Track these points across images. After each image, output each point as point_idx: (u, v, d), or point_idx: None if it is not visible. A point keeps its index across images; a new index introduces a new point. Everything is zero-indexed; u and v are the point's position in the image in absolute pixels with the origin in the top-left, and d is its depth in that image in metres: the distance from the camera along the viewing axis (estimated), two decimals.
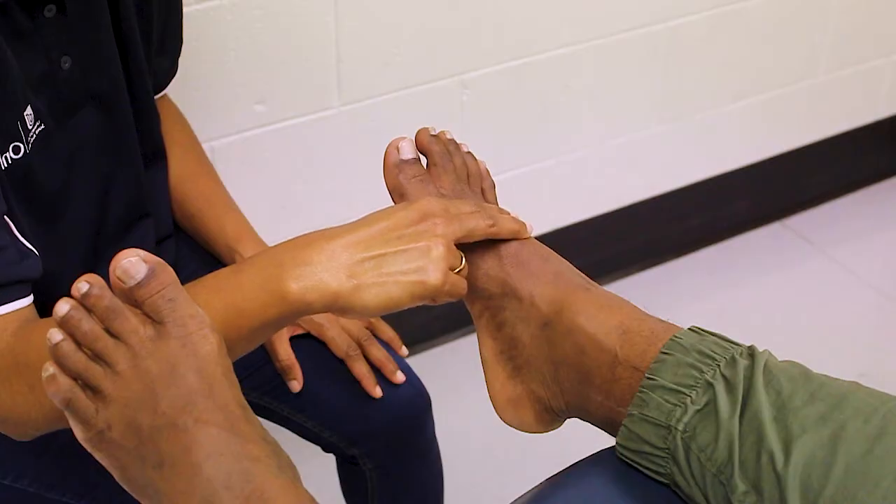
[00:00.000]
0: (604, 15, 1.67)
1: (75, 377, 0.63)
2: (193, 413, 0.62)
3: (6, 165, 0.84)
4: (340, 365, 1.10)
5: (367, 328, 1.12)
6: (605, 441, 0.77)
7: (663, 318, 0.76)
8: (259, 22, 1.38)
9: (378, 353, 1.10)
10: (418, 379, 1.15)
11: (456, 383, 1.59)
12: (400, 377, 1.11)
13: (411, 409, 1.13)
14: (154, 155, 1.05)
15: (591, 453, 0.77)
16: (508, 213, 0.82)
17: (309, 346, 1.10)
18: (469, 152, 0.88)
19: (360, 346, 1.10)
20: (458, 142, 0.87)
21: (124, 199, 1.00)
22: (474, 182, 0.86)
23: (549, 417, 0.81)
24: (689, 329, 0.73)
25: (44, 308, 0.82)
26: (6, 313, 0.79)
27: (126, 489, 0.65)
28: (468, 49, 1.57)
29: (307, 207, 1.57)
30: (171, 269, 0.65)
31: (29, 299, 0.82)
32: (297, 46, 1.42)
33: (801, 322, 1.94)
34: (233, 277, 0.75)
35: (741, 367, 0.69)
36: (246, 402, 0.66)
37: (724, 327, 0.76)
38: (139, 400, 0.62)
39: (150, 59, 1.01)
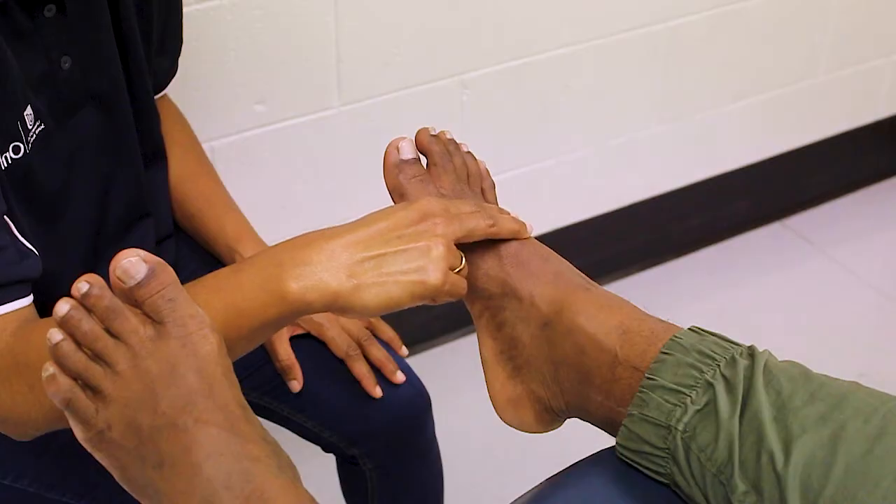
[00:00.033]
0: (604, 15, 1.67)
1: (75, 377, 0.63)
2: (193, 413, 0.62)
3: (6, 165, 0.84)
4: (340, 365, 1.10)
5: (367, 328, 1.12)
6: (605, 441, 0.77)
7: (663, 318, 0.76)
8: (259, 22, 1.38)
9: (378, 353, 1.10)
10: (418, 379, 1.15)
11: (456, 383, 1.59)
12: (400, 377, 1.11)
13: (411, 409, 1.13)
14: (154, 155, 1.05)
15: (591, 453, 0.77)
16: (508, 213, 0.82)
17: (309, 346, 1.10)
18: (469, 152, 0.88)
19: (360, 346, 1.10)
20: (458, 142, 0.87)
21: (124, 199, 1.00)
22: (474, 182, 0.86)
23: (549, 417, 0.81)
24: (689, 329, 0.73)
25: (44, 308, 0.82)
26: (6, 313, 0.79)
27: (126, 489, 0.65)
28: (468, 49, 1.57)
29: (307, 207, 1.57)
30: (171, 269, 0.65)
31: (29, 299, 0.82)
32: (297, 46, 1.42)
33: (801, 322, 1.94)
34: (232, 277, 0.75)
35: (741, 367, 0.69)
36: (246, 402, 0.66)
37: (724, 327, 0.76)
38: (139, 400, 0.62)
39: (150, 59, 1.01)
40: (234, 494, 0.61)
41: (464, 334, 1.86)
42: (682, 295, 1.99)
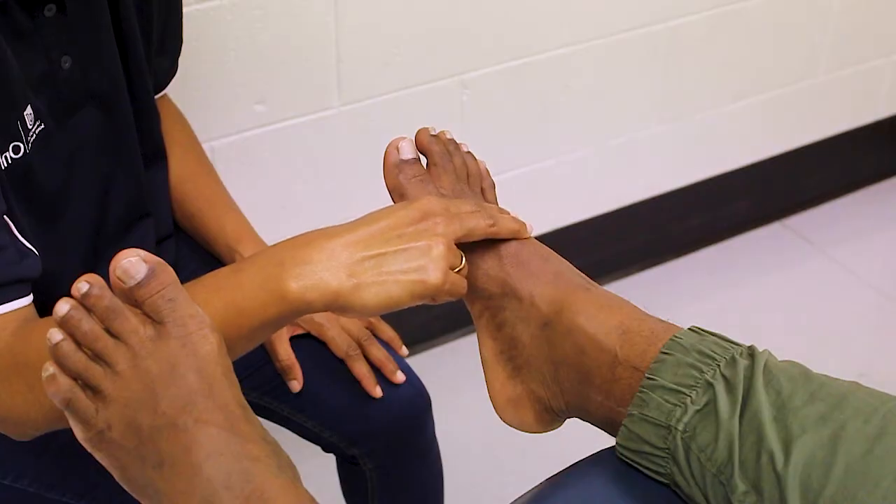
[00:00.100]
0: (604, 15, 1.67)
1: (75, 377, 0.63)
2: (193, 413, 0.62)
3: (6, 165, 0.84)
4: (340, 365, 1.10)
5: (367, 328, 1.12)
6: (605, 441, 0.77)
7: (663, 318, 0.76)
8: (259, 22, 1.38)
9: (378, 352, 1.10)
10: (418, 379, 1.15)
11: (456, 383, 1.59)
12: (400, 377, 1.11)
13: (411, 409, 1.13)
14: (154, 155, 1.05)
15: (591, 453, 0.77)
16: (508, 213, 0.82)
17: (309, 346, 1.10)
18: (469, 152, 0.88)
19: (360, 345, 1.10)
20: (458, 142, 0.87)
21: (124, 199, 1.00)
22: (474, 182, 0.86)
23: (549, 417, 0.81)
24: (689, 329, 0.73)
25: (44, 308, 0.82)
26: (5, 313, 0.79)
27: (126, 489, 0.65)
28: (468, 49, 1.57)
29: (307, 207, 1.57)
30: (171, 269, 0.65)
31: (28, 299, 0.82)
32: (297, 46, 1.42)
33: (801, 322, 1.94)
34: (232, 276, 0.75)
35: (741, 367, 0.69)
36: (246, 402, 0.66)
37: (724, 327, 0.76)
38: (139, 400, 0.62)
39: (150, 59, 1.01)
40: (234, 494, 0.61)
41: (464, 334, 1.86)
42: (682, 295, 1.99)
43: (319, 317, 1.09)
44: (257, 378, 1.10)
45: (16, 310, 0.80)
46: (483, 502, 1.54)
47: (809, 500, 0.63)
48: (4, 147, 0.83)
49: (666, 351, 0.71)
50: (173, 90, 1.13)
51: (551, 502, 0.73)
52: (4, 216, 0.81)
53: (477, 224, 0.78)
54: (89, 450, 0.64)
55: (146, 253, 0.64)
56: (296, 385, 1.09)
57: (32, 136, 0.86)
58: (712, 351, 0.71)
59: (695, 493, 0.69)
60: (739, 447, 0.66)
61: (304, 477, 0.66)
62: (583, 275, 0.82)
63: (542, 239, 0.84)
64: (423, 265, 0.74)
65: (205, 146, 1.25)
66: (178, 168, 1.10)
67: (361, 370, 1.09)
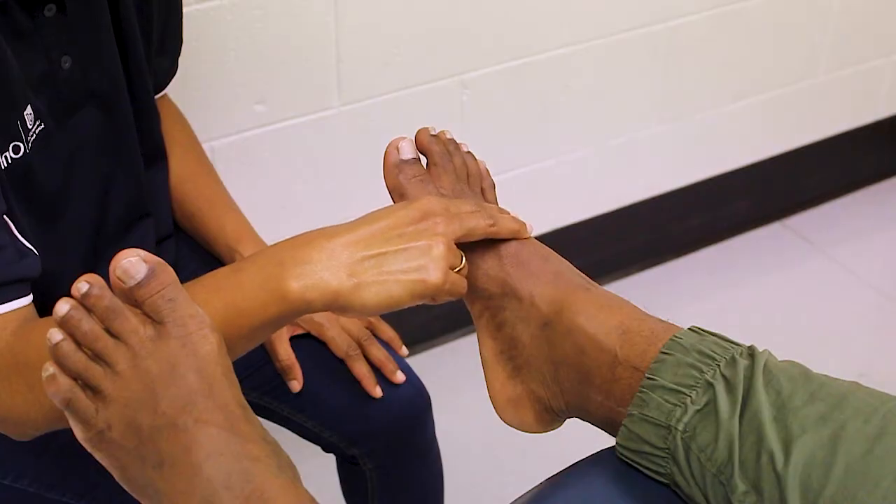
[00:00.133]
0: (604, 15, 1.67)
1: (75, 377, 0.63)
2: (193, 413, 0.62)
3: (6, 165, 0.84)
4: (340, 365, 1.10)
5: (367, 328, 1.12)
6: (605, 441, 0.77)
7: (663, 318, 0.76)
8: (259, 22, 1.38)
9: (378, 352, 1.10)
10: (418, 379, 1.15)
11: (456, 383, 1.59)
12: (400, 377, 1.11)
13: (411, 409, 1.13)
14: (154, 155, 1.05)
15: (591, 453, 0.77)
16: (508, 213, 0.82)
17: (309, 346, 1.10)
18: (469, 152, 0.88)
19: (360, 345, 1.10)
20: (458, 142, 0.87)
21: (124, 199, 1.00)
22: (474, 182, 0.86)
23: (549, 417, 0.81)
24: (689, 329, 0.73)
25: (44, 308, 0.82)
26: (5, 312, 0.79)
27: (126, 489, 0.65)
28: (468, 49, 1.57)
29: (307, 207, 1.57)
30: (171, 269, 0.65)
31: (28, 298, 0.82)
32: (297, 46, 1.42)
33: (801, 322, 1.94)
34: (232, 276, 0.75)
35: (741, 367, 0.69)
36: (246, 402, 0.66)
37: (724, 327, 0.76)
38: (139, 400, 0.62)
39: (150, 59, 1.01)
40: (234, 494, 0.61)
41: (464, 334, 1.86)
42: (682, 295, 1.99)
43: (319, 317, 1.09)
44: (257, 378, 1.10)
45: (16, 309, 0.80)
46: (483, 502, 1.54)
47: (809, 500, 0.63)
48: (4, 147, 0.83)
49: (666, 351, 0.71)
50: (173, 90, 1.13)
51: (551, 502, 0.73)
52: (4, 216, 0.81)
53: (477, 224, 0.78)
54: (89, 450, 0.64)
55: (146, 253, 0.64)
56: (296, 385, 1.09)
57: (32, 136, 0.86)
58: (712, 351, 0.71)
59: (695, 493, 0.69)
60: (739, 447, 0.66)
61: (304, 477, 0.66)
62: (583, 275, 0.82)
63: (542, 239, 0.84)
64: (424, 265, 0.74)
65: (205, 146, 1.25)
66: (179, 168, 1.10)
67: (361, 370, 1.09)
